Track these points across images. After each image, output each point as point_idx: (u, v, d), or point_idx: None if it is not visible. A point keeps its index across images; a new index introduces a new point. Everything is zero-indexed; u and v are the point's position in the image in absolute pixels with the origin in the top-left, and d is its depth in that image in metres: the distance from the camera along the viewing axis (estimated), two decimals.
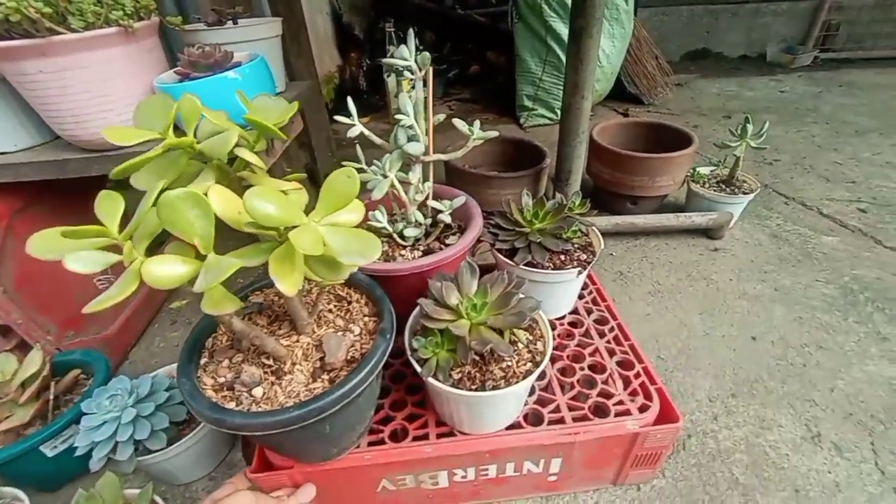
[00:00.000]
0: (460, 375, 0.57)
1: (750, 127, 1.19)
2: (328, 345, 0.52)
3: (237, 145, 0.46)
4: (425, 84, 0.62)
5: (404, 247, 0.73)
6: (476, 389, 0.55)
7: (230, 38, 0.83)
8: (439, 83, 2.73)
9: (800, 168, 1.63)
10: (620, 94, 2.37)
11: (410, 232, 0.71)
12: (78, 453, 0.63)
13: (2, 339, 0.82)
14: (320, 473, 0.62)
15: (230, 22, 0.86)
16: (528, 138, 1.41)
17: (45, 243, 0.37)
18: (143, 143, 0.45)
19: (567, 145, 1.09)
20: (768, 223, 1.34)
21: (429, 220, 0.73)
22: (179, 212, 0.38)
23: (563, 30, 1.98)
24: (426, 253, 0.71)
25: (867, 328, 0.96)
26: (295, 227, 0.39)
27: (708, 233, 1.30)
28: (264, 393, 0.49)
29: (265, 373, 0.51)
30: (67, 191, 0.88)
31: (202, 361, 0.53)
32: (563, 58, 2.04)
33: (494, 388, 0.55)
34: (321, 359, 0.52)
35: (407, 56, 0.58)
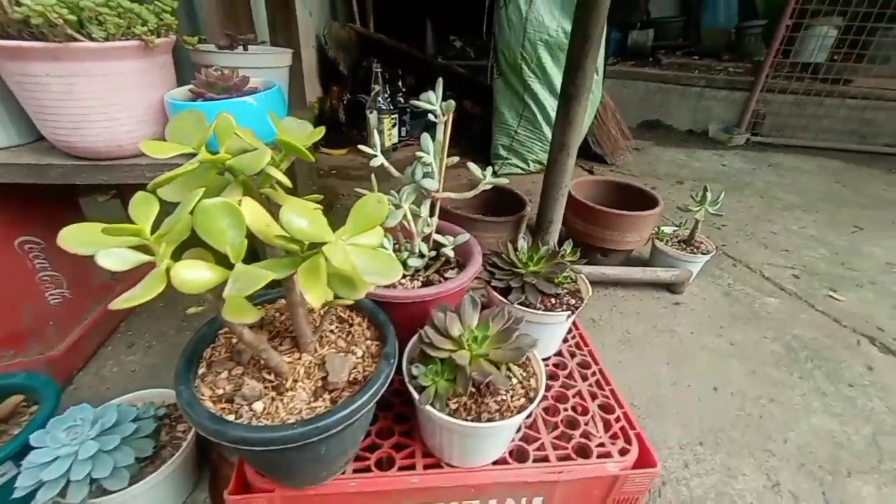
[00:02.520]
0: (457, 406, 0.57)
1: (709, 195, 1.32)
2: (332, 364, 0.51)
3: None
4: (446, 127, 0.65)
5: (404, 276, 0.74)
6: (472, 420, 0.55)
7: (239, 63, 0.83)
8: (417, 125, 2.82)
9: (743, 234, 1.81)
10: (586, 153, 2.56)
11: (414, 262, 0.72)
12: (16, 494, 0.55)
13: None
14: (303, 499, 0.58)
15: (241, 48, 0.87)
16: (509, 186, 1.48)
17: (80, 236, 0.36)
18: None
19: (550, 197, 1.16)
20: (720, 282, 1.47)
21: (432, 253, 0.74)
22: (214, 220, 0.38)
23: (540, 89, 2.15)
24: (425, 284, 0.72)
25: (809, 383, 1.05)
26: (322, 243, 0.40)
27: (670, 287, 1.40)
28: (265, 408, 0.47)
29: (266, 388, 0.49)
30: (29, 197, 0.82)
31: (200, 371, 0.51)
32: (539, 114, 2.21)
33: (490, 420, 0.55)
34: (323, 378, 0.51)
35: (433, 101, 0.62)
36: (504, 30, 2.10)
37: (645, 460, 0.68)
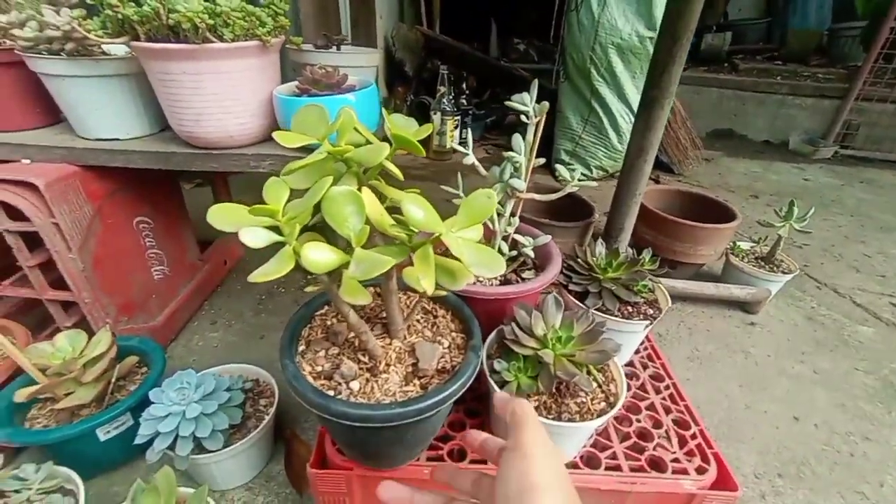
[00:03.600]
0: (537, 404, 0.57)
1: (795, 210, 1.23)
2: (422, 351, 0.53)
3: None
4: (537, 128, 0.66)
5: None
6: (553, 419, 0.55)
7: (335, 62, 0.88)
8: (478, 126, 2.84)
9: (829, 255, 1.67)
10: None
11: None
12: (137, 441, 0.62)
13: (64, 315, 0.82)
14: (378, 480, 0.60)
15: (335, 48, 0.92)
16: (576, 192, 1.46)
17: (226, 215, 0.40)
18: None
19: (623, 204, 1.13)
20: (802, 305, 1.36)
21: (513, 253, 0.75)
22: (340, 206, 0.41)
23: (608, 94, 2.10)
24: (503, 283, 0.73)
25: None
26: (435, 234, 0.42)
27: (744, 306, 1.32)
28: (360, 387, 0.50)
29: (360, 369, 0.52)
30: (146, 181, 0.92)
31: (300, 349, 0.55)
32: (605, 120, 2.15)
33: (570, 420, 0.55)
34: (413, 364, 0.53)
35: (527, 102, 0.63)
36: (574, 33, 2.06)
37: (724, 482, 0.65)
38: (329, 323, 0.59)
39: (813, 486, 0.82)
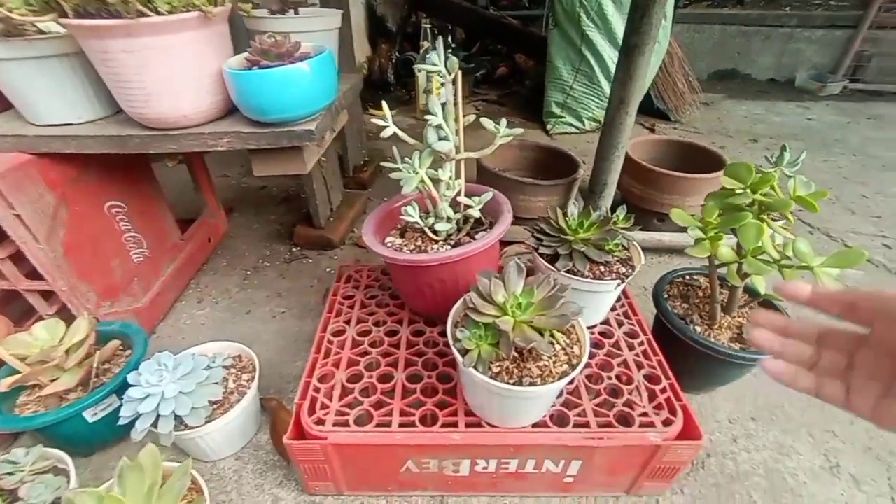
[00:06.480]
0: (499, 369, 0.58)
1: (787, 155, 1.19)
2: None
3: None
4: (454, 86, 0.63)
5: (436, 241, 0.74)
6: (514, 384, 0.56)
7: (291, 28, 0.84)
8: (466, 82, 2.73)
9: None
10: (648, 109, 2.36)
11: (441, 226, 0.72)
12: (121, 422, 0.65)
13: (45, 304, 0.84)
14: (352, 447, 0.64)
15: (292, 11, 0.87)
16: (561, 147, 1.42)
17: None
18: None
19: (605, 159, 1.10)
20: None
21: (458, 216, 0.74)
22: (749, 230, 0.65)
23: (599, 40, 1.99)
24: (456, 246, 0.72)
25: None
26: None
27: None
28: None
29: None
30: (112, 165, 0.90)
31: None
32: (597, 67, 2.05)
33: (531, 384, 0.56)
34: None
35: (437, 62, 0.60)
36: None
37: (689, 432, 0.67)
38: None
39: (784, 427, 0.84)
